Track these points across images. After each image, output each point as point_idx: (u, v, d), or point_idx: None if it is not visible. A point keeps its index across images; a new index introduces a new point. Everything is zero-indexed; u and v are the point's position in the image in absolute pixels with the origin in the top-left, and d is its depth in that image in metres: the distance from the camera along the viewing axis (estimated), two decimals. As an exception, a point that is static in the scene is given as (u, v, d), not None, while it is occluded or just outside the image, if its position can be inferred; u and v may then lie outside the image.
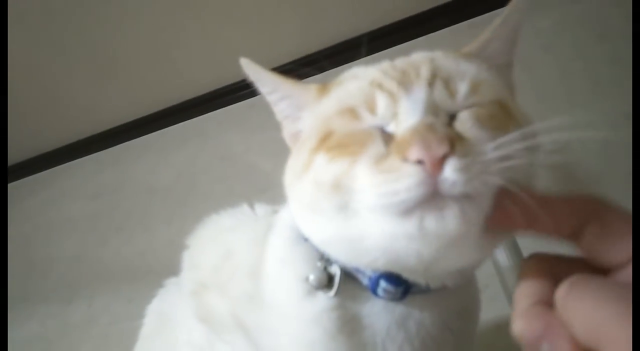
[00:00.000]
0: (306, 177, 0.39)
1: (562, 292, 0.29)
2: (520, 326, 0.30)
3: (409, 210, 0.33)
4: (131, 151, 1.72)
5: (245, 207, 0.66)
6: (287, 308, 0.45)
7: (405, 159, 0.33)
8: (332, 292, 0.43)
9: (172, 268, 1.32)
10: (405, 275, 0.41)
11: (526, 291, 0.32)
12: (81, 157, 1.81)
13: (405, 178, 0.32)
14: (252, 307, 0.49)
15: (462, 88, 0.38)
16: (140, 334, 0.71)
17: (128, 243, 1.46)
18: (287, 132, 0.48)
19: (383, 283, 0.42)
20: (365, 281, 0.43)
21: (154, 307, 0.71)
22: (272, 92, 0.46)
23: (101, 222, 1.56)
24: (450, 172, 0.32)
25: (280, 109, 0.47)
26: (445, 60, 0.41)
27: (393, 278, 0.41)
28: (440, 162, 0.32)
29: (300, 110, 0.46)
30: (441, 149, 0.32)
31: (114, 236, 1.50)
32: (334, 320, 0.43)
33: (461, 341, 0.47)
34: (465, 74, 0.39)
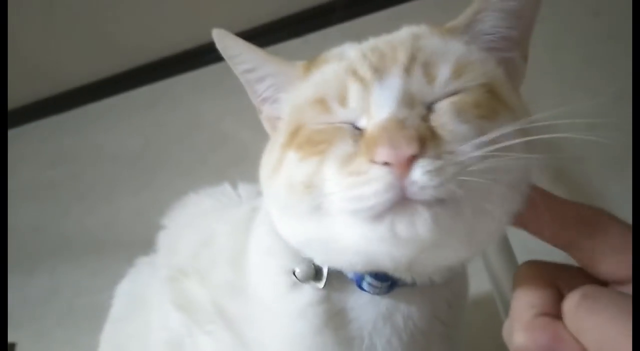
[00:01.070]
0: (279, 177, 0.37)
1: (574, 303, 0.28)
2: (523, 339, 0.29)
3: (379, 215, 0.31)
4: (93, 115, 1.64)
5: (227, 187, 0.62)
6: (272, 301, 0.44)
7: (372, 160, 0.31)
8: (321, 284, 0.41)
9: (140, 242, 1.27)
10: (389, 273, 0.39)
11: (528, 301, 0.31)
12: (38, 119, 1.72)
13: (373, 183, 0.30)
14: (234, 297, 0.47)
15: (444, 72, 0.35)
16: (110, 315, 0.68)
17: (91, 214, 1.41)
18: (265, 116, 0.44)
19: (368, 278, 0.40)
20: (350, 275, 0.41)
21: (124, 288, 0.68)
22: (251, 70, 0.42)
23: (61, 190, 1.50)
24: (419, 174, 0.30)
25: (259, 90, 0.43)
26: (430, 38, 0.38)
27: (379, 273, 0.40)
28: (408, 164, 0.30)
29: (280, 91, 0.42)
30: (409, 149, 0.30)
31: (76, 206, 1.45)
32: (320, 314, 0.42)
33: (452, 331, 0.46)
34: (449, 55, 0.36)
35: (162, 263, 0.59)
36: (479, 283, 0.69)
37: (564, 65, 1.11)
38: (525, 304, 0.31)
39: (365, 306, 0.42)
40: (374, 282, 0.40)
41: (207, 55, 1.48)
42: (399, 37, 0.39)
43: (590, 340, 0.26)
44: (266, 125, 0.44)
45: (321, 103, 0.37)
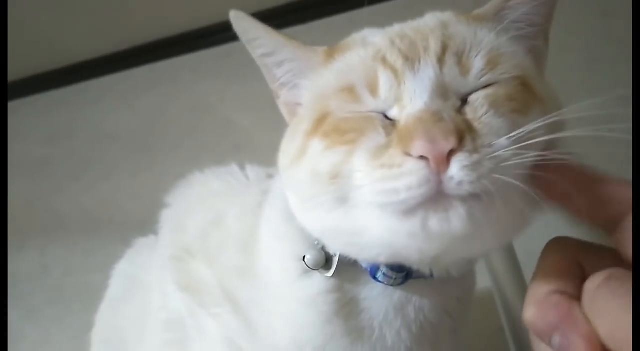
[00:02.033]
0: (301, 165, 0.36)
1: (595, 284, 0.26)
2: (532, 314, 0.29)
3: (411, 210, 0.30)
4: (93, 92, 1.61)
5: (234, 168, 0.60)
6: (282, 287, 0.43)
7: (407, 153, 0.30)
8: (330, 273, 0.41)
9: (135, 223, 1.26)
10: (409, 265, 0.39)
11: (546, 279, 0.30)
12: (35, 93, 1.68)
13: (407, 176, 0.29)
14: (243, 281, 0.46)
15: (477, 63, 0.34)
16: (107, 295, 0.67)
17: (86, 193, 1.39)
18: (282, 101, 0.43)
19: (384, 268, 0.40)
20: (364, 264, 0.40)
21: (121, 268, 0.66)
22: (270, 54, 0.41)
23: (56, 167, 1.48)
24: (457, 170, 0.29)
25: (277, 75, 0.42)
26: (458, 26, 0.37)
27: (395, 265, 0.39)
28: (446, 159, 0.29)
29: (300, 77, 0.41)
30: (448, 144, 0.29)
31: (71, 183, 1.43)
32: (331, 303, 0.41)
33: (459, 325, 0.45)
34: (482, 45, 0.35)
35: (166, 242, 0.57)
36: (478, 281, 0.69)
37: (569, 66, 1.09)
38: (543, 280, 0.30)
39: (378, 297, 0.41)
40: (389, 273, 0.39)
41: (211, 37, 1.47)
42: (426, 24, 0.38)
43: (604, 324, 0.25)
44: (283, 111, 0.43)
45: (350, 91, 0.36)
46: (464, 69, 0.34)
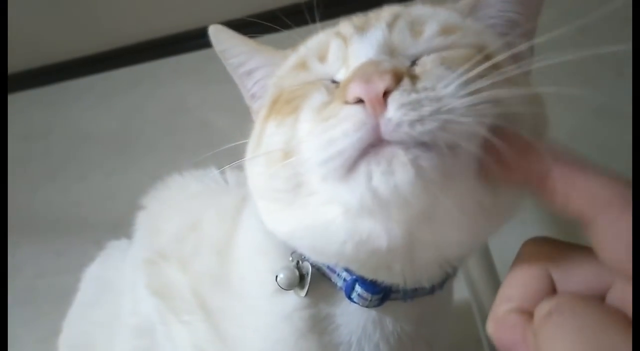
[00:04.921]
0: (259, 153, 0.35)
1: (543, 313, 0.25)
2: (491, 331, 0.27)
3: (352, 165, 0.27)
4: (70, 92, 1.59)
5: (213, 171, 0.60)
6: (257, 300, 0.42)
7: (345, 101, 0.28)
8: (303, 293, 0.39)
9: (109, 224, 1.24)
10: (382, 275, 0.36)
11: (509, 292, 0.28)
12: (12, 92, 1.65)
13: (343, 123, 0.27)
14: (216, 289, 0.45)
15: (430, 28, 0.33)
16: (76, 300, 0.65)
17: (60, 193, 1.37)
18: (255, 111, 0.42)
19: (358, 288, 0.37)
20: (339, 283, 0.38)
21: (92, 272, 0.65)
22: (242, 64, 0.41)
23: (31, 165, 1.45)
24: (394, 109, 0.26)
25: (248, 85, 0.42)
26: (419, 9, 0.36)
27: (369, 283, 0.37)
28: (382, 100, 0.27)
29: (270, 79, 0.41)
30: (382, 82, 0.27)
31: (45, 183, 1.41)
32: (306, 319, 0.40)
33: (436, 336, 0.44)
34: (439, 16, 0.34)
35: (141, 245, 0.56)
36: (456, 291, 0.68)
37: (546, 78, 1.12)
38: (506, 295, 0.28)
39: (354, 313, 0.40)
40: (364, 294, 0.37)
41: (191, 41, 1.47)
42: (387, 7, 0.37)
43: None
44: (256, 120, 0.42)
45: (302, 65, 0.35)
46: (415, 33, 0.33)
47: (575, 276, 0.26)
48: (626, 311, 0.24)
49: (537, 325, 0.25)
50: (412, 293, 0.38)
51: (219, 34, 0.40)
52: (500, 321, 0.27)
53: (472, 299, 0.68)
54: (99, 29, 1.54)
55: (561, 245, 0.28)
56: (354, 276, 0.37)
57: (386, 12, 0.35)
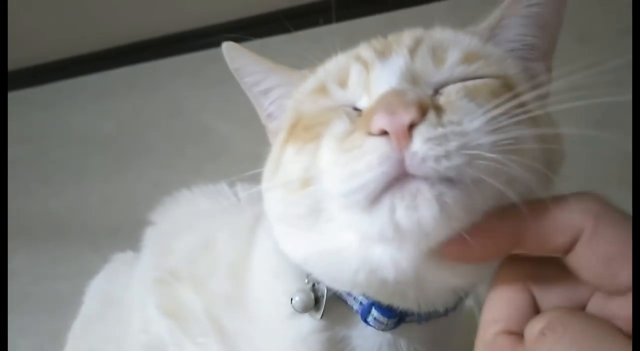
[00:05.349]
0: (276, 179, 0.35)
1: (535, 333, 0.25)
2: None
3: (376, 197, 0.27)
4: (66, 92, 1.57)
5: (224, 187, 0.59)
6: (273, 322, 0.41)
7: (369, 132, 0.27)
8: (318, 316, 0.38)
9: (107, 230, 1.23)
10: (397, 301, 0.36)
11: (494, 314, 0.28)
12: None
13: (367, 155, 0.27)
14: (232, 311, 0.45)
15: (453, 56, 0.33)
16: (81, 314, 0.64)
17: (56, 197, 1.35)
18: (271, 130, 0.42)
19: (375, 312, 0.37)
20: (355, 306, 0.38)
21: (97, 286, 0.64)
22: (257, 83, 0.40)
23: (26, 168, 1.43)
24: (420, 143, 0.26)
25: (264, 104, 0.41)
26: (440, 32, 0.36)
27: (385, 308, 0.37)
28: (407, 132, 0.26)
29: (287, 100, 0.40)
30: (408, 114, 0.26)
31: (40, 187, 1.39)
32: (322, 342, 0.40)
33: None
34: (461, 44, 0.34)
35: (150, 263, 0.55)
36: None
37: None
38: (491, 317, 0.28)
39: (370, 335, 0.39)
40: (380, 318, 0.37)
41: (191, 41, 1.45)
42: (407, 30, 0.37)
43: None
44: (272, 141, 0.42)
45: (321, 90, 0.35)
46: (437, 60, 0.33)
47: (555, 291, 0.27)
48: (611, 320, 0.24)
49: (531, 346, 0.25)
50: (427, 316, 0.38)
51: (232, 52, 0.40)
52: (489, 345, 0.27)
53: (476, 307, 0.67)
54: (95, 26, 1.51)
55: (538, 261, 0.28)
56: (371, 301, 0.37)
57: (407, 37, 0.35)
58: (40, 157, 1.45)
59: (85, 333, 0.62)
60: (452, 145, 0.26)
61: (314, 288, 0.39)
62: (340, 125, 0.31)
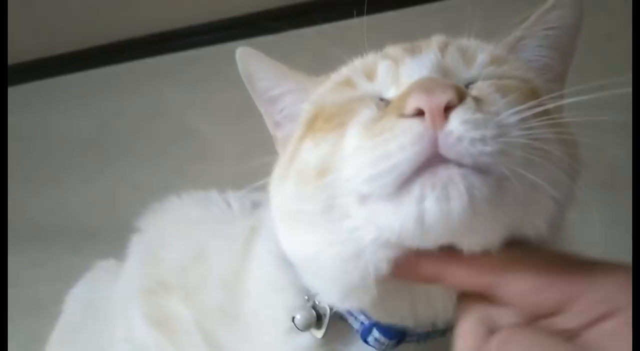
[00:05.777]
0: (289, 175, 0.33)
1: (498, 347, 0.27)
2: None
3: (404, 183, 0.26)
4: (45, 92, 1.53)
5: (215, 195, 0.57)
6: (270, 337, 0.40)
7: (402, 114, 0.27)
8: (320, 334, 0.37)
9: (88, 232, 1.20)
10: (397, 317, 0.35)
11: (461, 348, 0.29)
12: (-19, 90, 1.59)
13: (399, 137, 0.26)
14: (225, 324, 0.44)
15: (482, 57, 0.33)
16: (61, 322, 0.63)
17: (35, 198, 1.33)
18: (280, 140, 0.41)
19: (376, 333, 0.36)
20: (356, 325, 0.37)
21: (77, 294, 0.63)
22: (271, 88, 0.39)
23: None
24: (457, 123, 0.25)
25: (276, 111, 0.40)
26: (466, 40, 0.37)
27: (387, 328, 0.36)
28: (444, 113, 0.26)
29: (302, 103, 0.39)
30: (446, 95, 0.26)
31: (18, 187, 1.35)
32: None
33: None
34: (488, 48, 0.35)
35: (137, 272, 0.54)
36: None
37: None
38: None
39: None
40: (381, 338, 0.36)
41: (174, 41, 1.42)
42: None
43: None
44: (281, 152, 0.41)
45: (346, 83, 0.34)
46: (467, 59, 0.33)
47: (504, 314, 0.28)
48: None
49: None
50: (426, 336, 0.37)
51: (247, 57, 0.39)
52: None
53: None
54: (76, 25, 1.48)
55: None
56: (373, 321, 0.36)
57: (435, 40, 0.35)
58: (19, 157, 1.41)
59: (65, 343, 0.60)
60: (489, 132, 0.26)
61: (314, 306, 0.38)
62: (368, 112, 0.30)
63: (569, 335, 0.26)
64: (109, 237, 0.62)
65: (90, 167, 1.32)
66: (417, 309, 0.35)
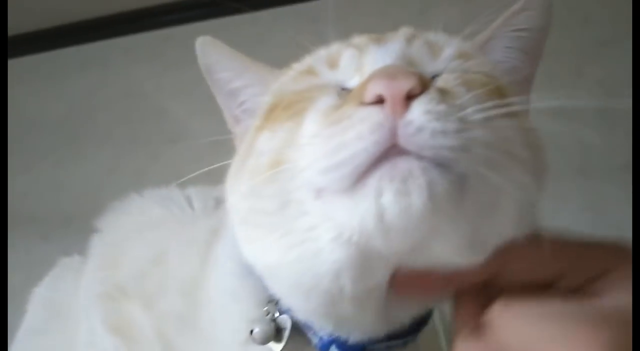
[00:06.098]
0: (244, 170, 0.32)
1: (498, 311, 0.27)
2: None
3: (361, 176, 0.25)
4: (13, 72, 1.47)
5: (175, 191, 0.56)
6: (227, 347, 0.39)
7: (362, 102, 0.25)
8: (279, 348, 0.36)
9: (61, 218, 1.17)
10: (358, 327, 0.34)
11: (462, 315, 0.30)
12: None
13: (358, 124, 0.25)
14: (183, 331, 0.42)
15: (448, 50, 0.32)
16: (25, 323, 0.60)
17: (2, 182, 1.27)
18: (238, 135, 0.39)
19: (335, 349, 0.35)
20: (315, 340, 0.36)
21: (41, 293, 0.60)
22: (230, 80, 0.38)
23: (-31, 153, 1.34)
24: (419, 113, 0.24)
25: (235, 105, 0.39)
26: (434, 34, 0.36)
27: (346, 345, 0.35)
28: (405, 101, 0.24)
29: (262, 96, 0.37)
30: (408, 82, 0.25)
31: (-15, 171, 1.30)
32: None
33: None
34: (456, 43, 0.34)
35: (96, 276, 0.52)
36: None
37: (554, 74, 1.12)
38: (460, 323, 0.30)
39: None
40: None
41: (148, 19, 1.38)
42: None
43: (513, 344, 0.25)
44: (238, 147, 0.39)
45: (308, 71, 0.33)
46: (433, 52, 0.32)
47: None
48: None
49: (497, 321, 0.27)
50: (387, 349, 0.36)
51: (206, 47, 0.38)
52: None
53: (441, 329, 0.67)
54: (44, 2, 1.43)
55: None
56: (331, 338, 0.35)
57: (402, 31, 0.34)
58: (-15, 140, 1.37)
59: (30, 345, 0.58)
60: (452, 125, 0.25)
61: (274, 319, 0.37)
62: (328, 100, 0.29)
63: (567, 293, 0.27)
64: (82, 224, 0.60)
65: (61, 151, 1.29)
66: (378, 315, 0.33)
